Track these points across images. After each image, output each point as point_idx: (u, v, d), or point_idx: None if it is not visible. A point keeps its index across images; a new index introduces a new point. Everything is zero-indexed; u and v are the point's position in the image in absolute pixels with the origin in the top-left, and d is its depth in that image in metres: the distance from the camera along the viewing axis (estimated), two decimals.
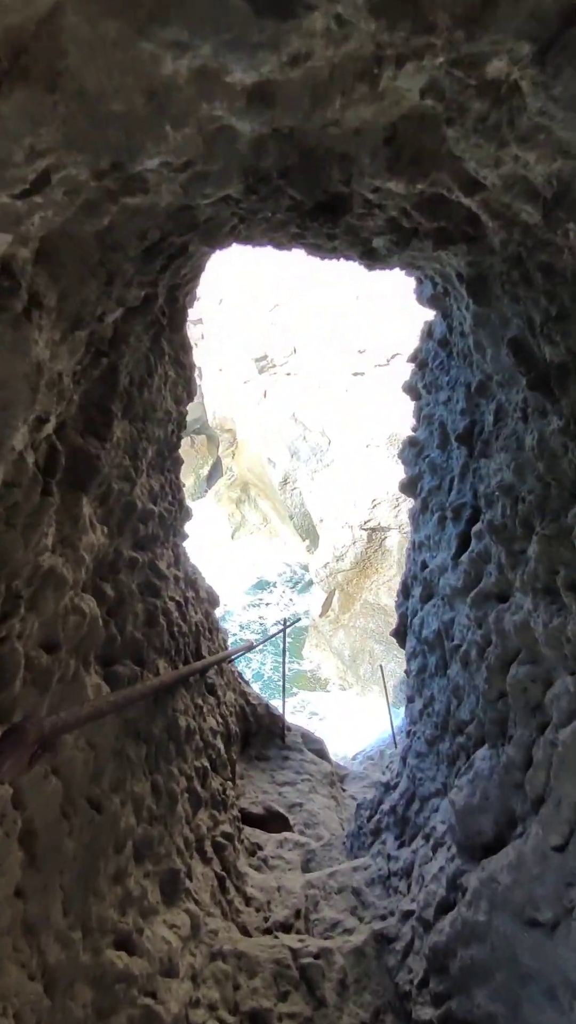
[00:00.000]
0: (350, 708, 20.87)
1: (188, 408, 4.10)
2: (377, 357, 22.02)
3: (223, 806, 4.05)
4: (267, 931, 3.76)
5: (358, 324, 22.73)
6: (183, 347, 3.93)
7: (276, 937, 3.47)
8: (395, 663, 20.76)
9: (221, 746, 4.35)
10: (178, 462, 4.02)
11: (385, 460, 21.93)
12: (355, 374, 22.64)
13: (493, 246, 2.03)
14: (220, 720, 4.83)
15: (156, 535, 3.39)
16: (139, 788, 2.93)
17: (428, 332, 3.81)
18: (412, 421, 4.24)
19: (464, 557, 3.03)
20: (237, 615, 23.99)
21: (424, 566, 3.77)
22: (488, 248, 2.07)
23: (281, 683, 7.76)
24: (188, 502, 4.36)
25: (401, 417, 20.77)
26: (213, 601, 6.40)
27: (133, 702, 2.38)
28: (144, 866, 2.77)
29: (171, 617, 3.46)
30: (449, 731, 3.32)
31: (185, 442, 30.52)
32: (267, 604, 24.52)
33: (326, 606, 22.82)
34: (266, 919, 3.88)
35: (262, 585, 25.27)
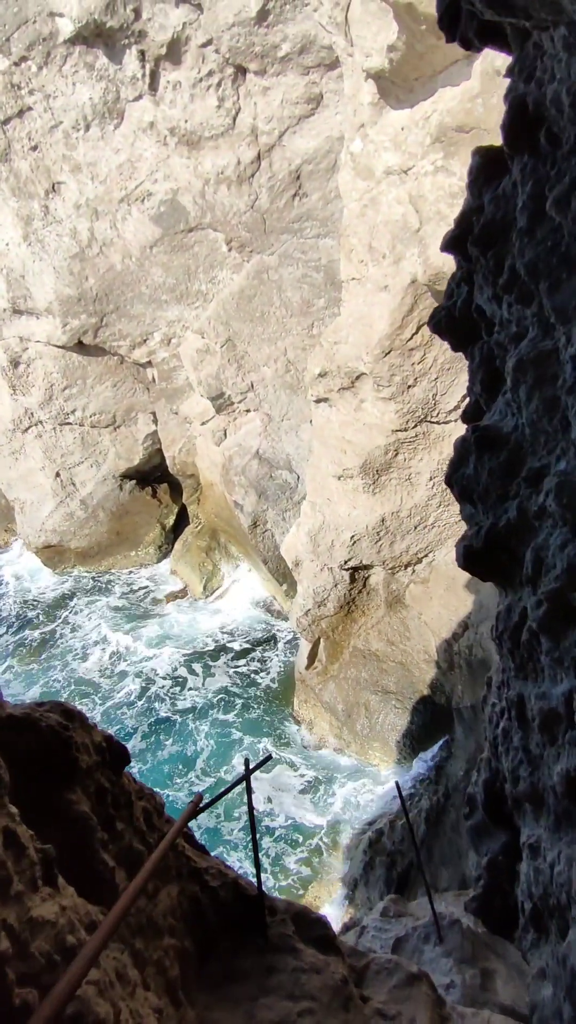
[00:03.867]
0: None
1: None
2: (341, 379, 20.10)
3: None
4: None
5: (314, 353, 21.00)
6: None
7: None
8: (394, 715, 18.42)
9: None
10: None
11: (360, 491, 19.87)
12: (318, 401, 20.69)
13: None
14: None
15: None
16: None
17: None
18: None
19: None
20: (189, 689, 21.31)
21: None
22: None
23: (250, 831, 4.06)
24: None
25: (371, 443, 18.79)
26: (119, 758, 3.36)
27: None
28: None
29: None
30: None
31: (147, 492, 28.03)
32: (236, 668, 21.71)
33: (311, 657, 20.48)
34: None
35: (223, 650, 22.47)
